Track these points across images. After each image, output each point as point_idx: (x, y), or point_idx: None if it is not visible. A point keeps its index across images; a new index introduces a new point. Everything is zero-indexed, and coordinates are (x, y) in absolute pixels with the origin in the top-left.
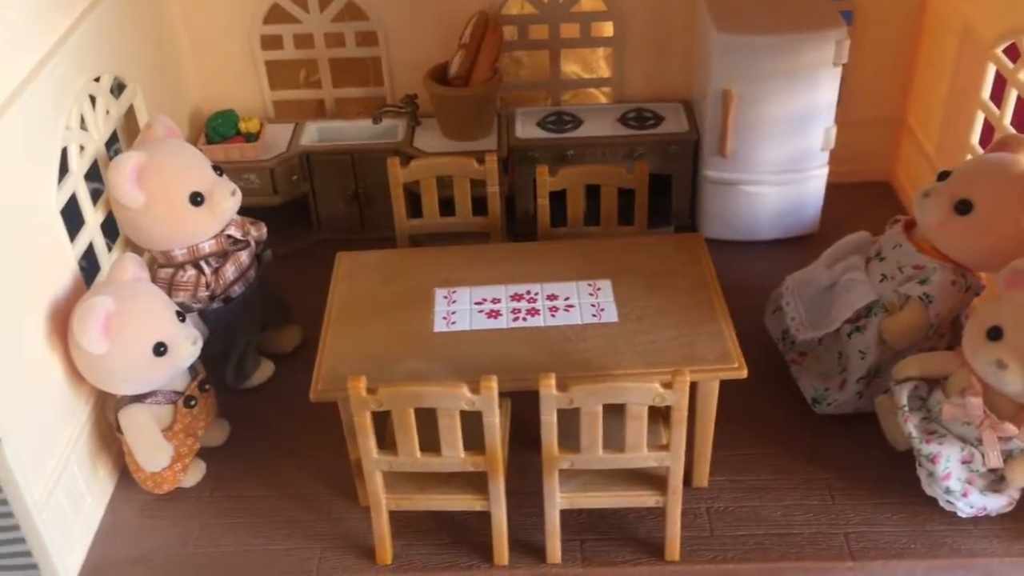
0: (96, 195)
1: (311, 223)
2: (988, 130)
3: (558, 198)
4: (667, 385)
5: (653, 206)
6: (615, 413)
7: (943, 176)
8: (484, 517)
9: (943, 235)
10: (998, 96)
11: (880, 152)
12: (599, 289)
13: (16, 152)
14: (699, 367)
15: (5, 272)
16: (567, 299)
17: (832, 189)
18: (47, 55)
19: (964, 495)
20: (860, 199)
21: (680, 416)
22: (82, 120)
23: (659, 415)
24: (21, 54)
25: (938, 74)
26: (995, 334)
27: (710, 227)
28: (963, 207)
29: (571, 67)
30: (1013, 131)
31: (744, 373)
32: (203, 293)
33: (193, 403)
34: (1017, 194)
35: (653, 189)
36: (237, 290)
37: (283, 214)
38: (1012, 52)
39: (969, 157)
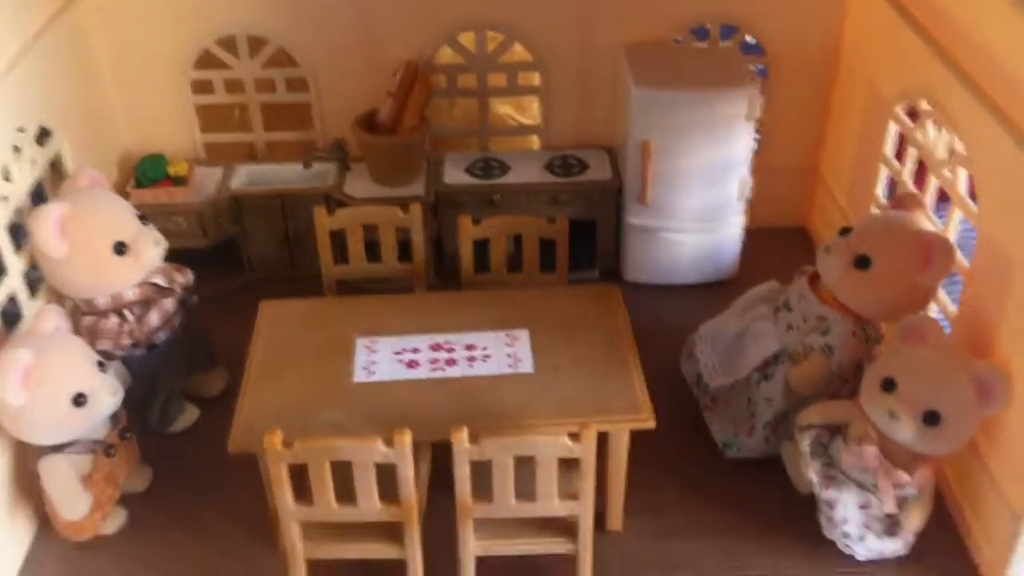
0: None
1: (241, 264)
2: (893, 183)
3: (484, 243)
4: (575, 437)
5: (578, 249)
6: (530, 461)
7: (845, 232)
8: (404, 564)
9: (843, 288)
10: (903, 152)
11: (796, 199)
12: (516, 339)
13: None
14: (608, 418)
15: None
16: (485, 349)
17: (750, 234)
18: None
19: (861, 539)
20: (777, 244)
21: (587, 468)
22: (6, 171)
23: (574, 463)
24: None
25: (847, 128)
26: (888, 386)
27: (633, 271)
28: (862, 262)
29: (504, 108)
30: (912, 187)
31: (652, 424)
32: (126, 341)
33: (113, 452)
34: (912, 251)
35: (579, 233)
36: (161, 336)
37: (212, 255)
38: (914, 110)
39: (874, 209)
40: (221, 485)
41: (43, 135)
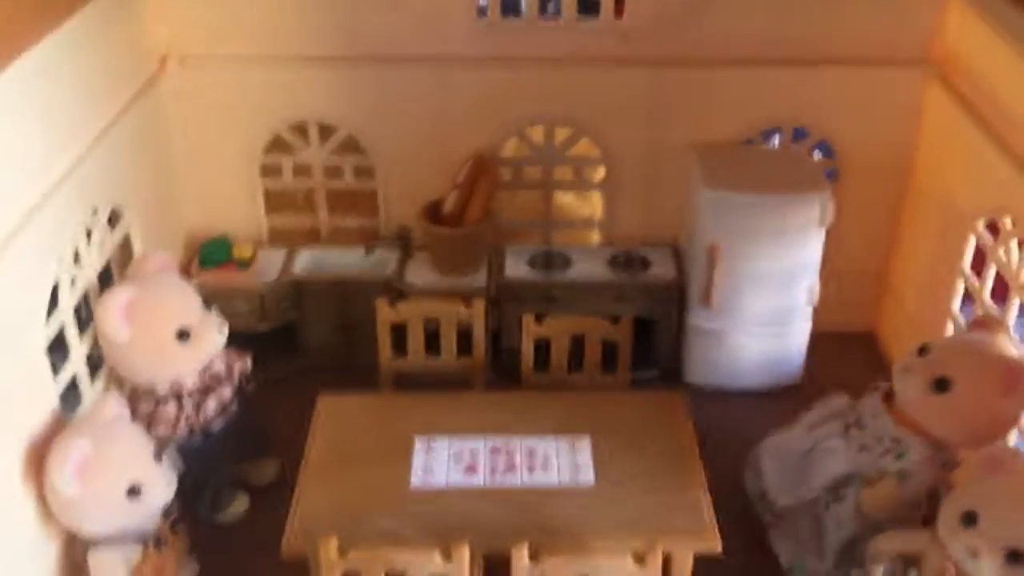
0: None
1: (297, 348)
2: (968, 297)
3: (544, 340)
4: (639, 560)
5: (639, 347)
6: None
7: (923, 351)
8: None
9: (921, 410)
10: (979, 265)
11: (864, 304)
12: (578, 447)
13: (8, 291)
14: (673, 539)
15: None
16: (546, 456)
17: (816, 338)
18: (48, 193)
19: None
20: (844, 350)
21: None
22: (76, 252)
23: None
24: (23, 193)
25: (920, 237)
26: (969, 520)
27: (694, 372)
28: (942, 385)
29: (566, 197)
30: (992, 304)
31: (719, 548)
32: (183, 428)
33: (163, 544)
34: (995, 376)
35: (640, 330)
36: (217, 424)
37: (269, 338)
38: (995, 225)
39: (949, 324)
40: None
41: (114, 216)
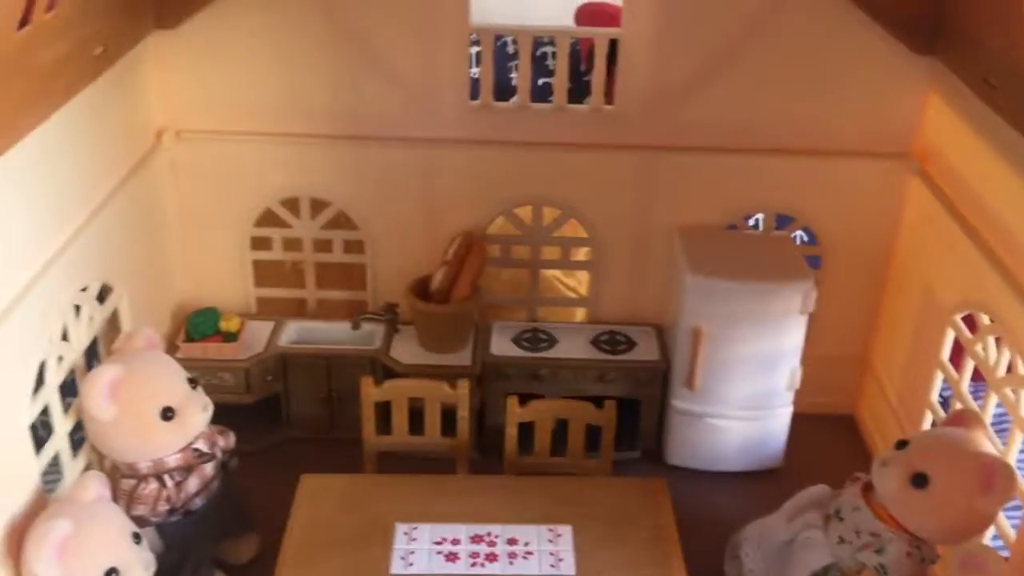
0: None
1: (281, 420)
2: (947, 386)
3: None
4: None
5: (622, 427)
6: None
7: (901, 444)
8: None
9: (899, 505)
10: (959, 356)
11: (845, 387)
12: (559, 536)
13: None
14: None
15: None
16: (527, 544)
17: (797, 420)
18: (40, 273)
19: None
20: (825, 432)
21: None
22: (64, 330)
23: None
24: (14, 273)
25: (901, 326)
26: None
27: (676, 454)
28: (919, 480)
29: (552, 271)
30: (970, 398)
31: None
32: (163, 507)
33: None
34: (972, 473)
35: (623, 410)
36: (198, 502)
37: (254, 410)
38: (972, 320)
39: (928, 415)
40: None
41: (104, 290)
